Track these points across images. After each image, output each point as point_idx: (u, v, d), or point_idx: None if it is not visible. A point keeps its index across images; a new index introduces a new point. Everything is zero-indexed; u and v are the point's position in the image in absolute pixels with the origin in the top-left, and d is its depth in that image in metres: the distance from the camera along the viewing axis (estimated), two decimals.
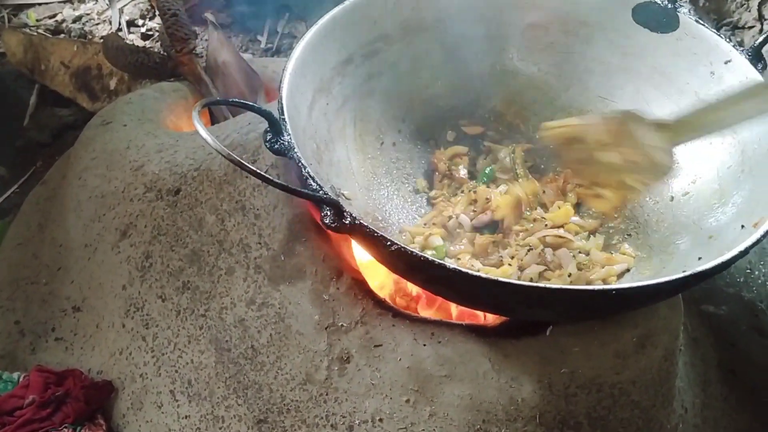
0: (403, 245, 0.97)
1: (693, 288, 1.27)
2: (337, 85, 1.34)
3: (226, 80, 1.88)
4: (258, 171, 0.92)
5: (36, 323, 1.54)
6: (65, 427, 1.30)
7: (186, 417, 1.28)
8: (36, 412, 1.30)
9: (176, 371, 1.31)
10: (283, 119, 1.10)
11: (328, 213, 1.00)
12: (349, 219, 1.00)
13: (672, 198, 1.32)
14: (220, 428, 1.24)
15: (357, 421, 1.15)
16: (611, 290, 0.96)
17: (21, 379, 1.37)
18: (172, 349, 1.32)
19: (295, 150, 1.06)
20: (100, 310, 1.46)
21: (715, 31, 1.32)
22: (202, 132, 0.92)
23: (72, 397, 1.33)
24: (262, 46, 2.60)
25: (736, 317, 1.61)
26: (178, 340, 1.32)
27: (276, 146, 1.08)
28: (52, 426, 1.30)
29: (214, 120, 1.80)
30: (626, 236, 1.33)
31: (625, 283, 0.99)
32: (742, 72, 1.27)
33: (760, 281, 1.65)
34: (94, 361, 1.44)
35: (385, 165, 1.43)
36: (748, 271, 1.69)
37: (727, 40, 1.31)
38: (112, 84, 2.12)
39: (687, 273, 0.98)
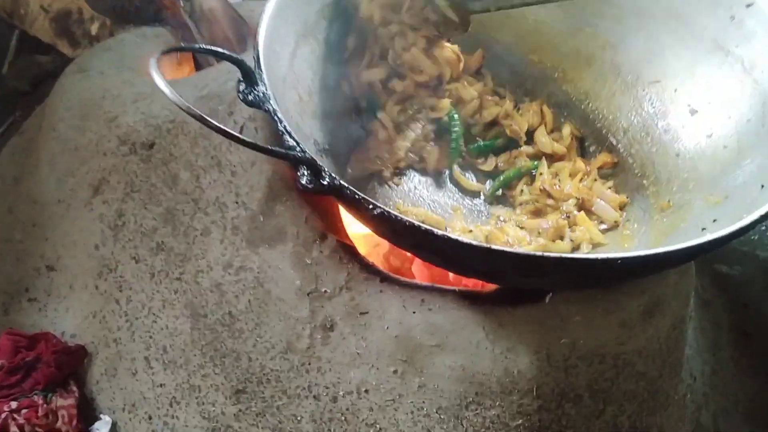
0: (386, 209, 0.89)
1: None
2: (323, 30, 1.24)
3: (211, 26, 1.77)
4: (220, 126, 0.84)
5: (9, 283, 1.46)
6: (35, 394, 1.23)
7: (161, 385, 1.22)
8: (4, 378, 1.24)
9: (151, 337, 1.24)
10: (259, 67, 1.00)
11: (305, 173, 0.91)
12: (327, 179, 0.91)
13: (678, 154, 1.25)
14: (197, 398, 1.18)
15: (341, 392, 1.09)
16: (616, 259, 0.87)
17: None
18: (146, 313, 1.25)
19: (270, 102, 0.97)
20: (73, 269, 1.39)
21: None
22: (160, 83, 0.84)
23: (43, 362, 1.26)
24: None
25: (751, 277, 1.61)
26: (152, 305, 1.25)
27: (250, 97, 0.99)
28: (22, 392, 1.23)
29: (198, 67, 1.70)
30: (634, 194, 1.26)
31: (631, 252, 0.90)
32: (765, 16, 1.19)
33: None
34: (68, 324, 1.37)
35: None
36: (764, 228, 1.64)
37: None
38: (94, 29, 2.01)
39: (701, 240, 0.90)
